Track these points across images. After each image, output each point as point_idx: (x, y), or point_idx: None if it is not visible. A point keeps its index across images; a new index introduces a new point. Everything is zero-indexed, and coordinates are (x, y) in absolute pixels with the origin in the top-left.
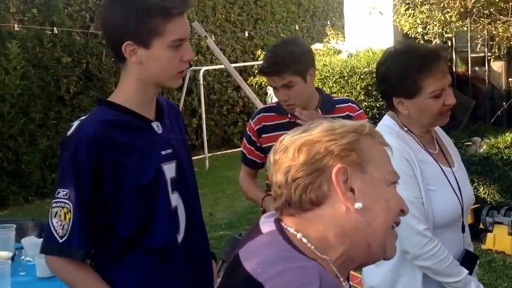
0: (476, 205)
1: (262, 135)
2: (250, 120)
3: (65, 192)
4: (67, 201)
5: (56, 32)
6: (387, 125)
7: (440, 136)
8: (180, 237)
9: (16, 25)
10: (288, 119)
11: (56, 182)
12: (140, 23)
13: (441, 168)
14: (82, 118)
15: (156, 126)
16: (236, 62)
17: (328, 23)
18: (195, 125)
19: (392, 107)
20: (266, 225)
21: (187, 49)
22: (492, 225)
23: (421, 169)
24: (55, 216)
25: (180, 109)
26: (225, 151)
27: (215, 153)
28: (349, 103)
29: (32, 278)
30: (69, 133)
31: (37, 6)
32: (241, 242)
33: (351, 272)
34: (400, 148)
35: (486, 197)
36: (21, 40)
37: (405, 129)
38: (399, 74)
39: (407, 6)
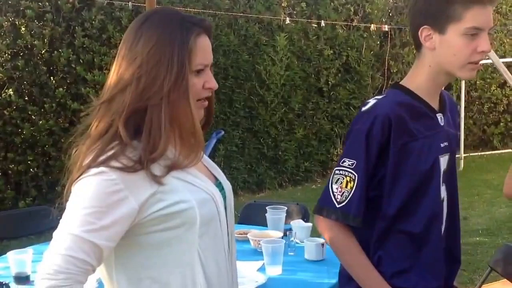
0: None
1: None
2: None
3: (351, 162)
4: (352, 171)
5: (323, 25)
6: None
7: None
8: (443, 228)
9: (287, 19)
10: None
11: (343, 152)
12: (440, 7)
13: None
14: (378, 97)
15: (440, 117)
16: (504, 57)
17: None
18: None
19: None
20: None
21: (484, 40)
22: None
23: None
24: (336, 182)
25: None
26: (482, 153)
27: (471, 154)
28: None
29: (300, 259)
30: (364, 108)
31: (306, 0)
32: None
33: None
34: None
35: None
36: (289, 33)
37: None
38: None
39: None
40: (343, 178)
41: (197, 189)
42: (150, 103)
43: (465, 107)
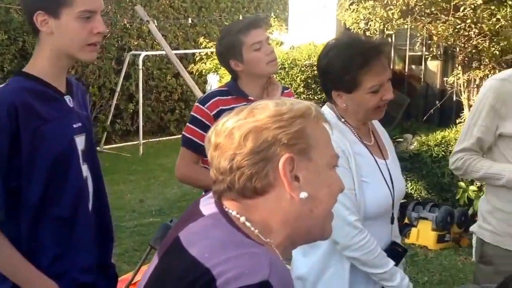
0: (402, 200)
1: None
2: (200, 104)
3: None
4: None
5: None
6: None
7: (377, 128)
8: (90, 206)
9: None
10: (246, 103)
11: None
12: None
13: (375, 160)
14: (0, 86)
15: (68, 99)
16: (177, 49)
17: (272, 15)
18: (131, 110)
19: (331, 99)
20: (207, 207)
21: (99, 22)
22: (417, 220)
23: (356, 161)
24: None
25: (117, 93)
26: (160, 138)
27: (149, 140)
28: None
29: None
30: None
31: None
32: (180, 225)
33: None
34: (337, 140)
35: (413, 192)
36: None
37: (342, 120)
38: (340, 69)
39: (351, 1)
40: None
41: None
42: None
43: (143, 95)
